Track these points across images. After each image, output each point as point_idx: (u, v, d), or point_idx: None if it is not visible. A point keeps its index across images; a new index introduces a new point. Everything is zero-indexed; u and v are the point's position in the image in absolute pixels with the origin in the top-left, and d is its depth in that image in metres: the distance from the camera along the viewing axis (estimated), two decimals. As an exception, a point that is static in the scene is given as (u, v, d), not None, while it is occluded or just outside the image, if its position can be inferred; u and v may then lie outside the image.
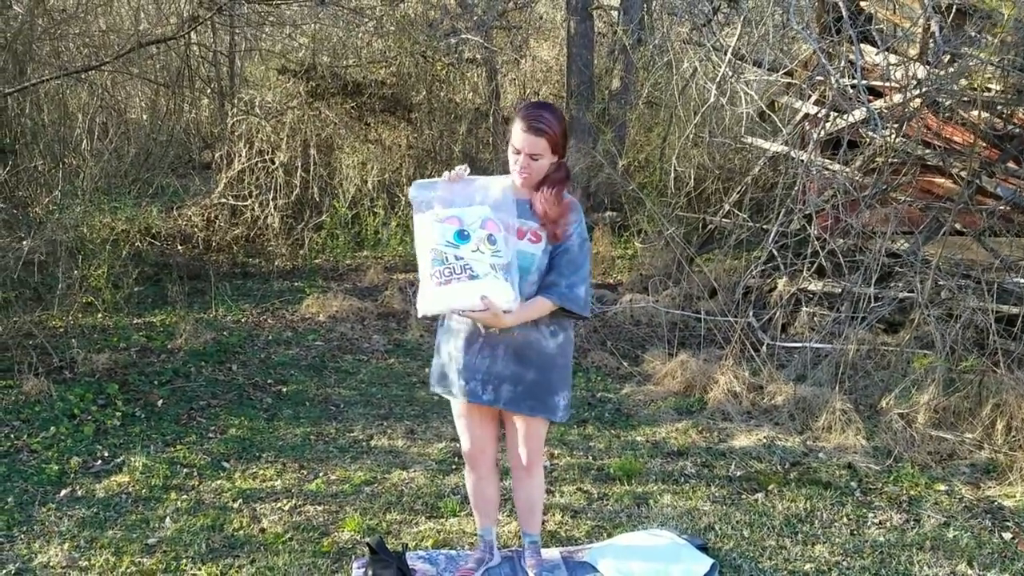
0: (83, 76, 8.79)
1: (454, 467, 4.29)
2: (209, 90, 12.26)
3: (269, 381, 5.54)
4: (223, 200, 9.51)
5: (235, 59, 12.11)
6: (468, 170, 2.87)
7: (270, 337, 6.39)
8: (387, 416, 5.02)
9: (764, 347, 5.62)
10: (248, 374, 5.63)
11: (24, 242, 6.34)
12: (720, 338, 5.99)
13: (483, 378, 2.90)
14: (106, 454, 4.37)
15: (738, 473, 4.22)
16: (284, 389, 5.42)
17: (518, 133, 2.80)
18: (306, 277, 8.35)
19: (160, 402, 5.07)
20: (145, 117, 14.17)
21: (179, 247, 9.30)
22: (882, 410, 4.80)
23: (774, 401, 4.98)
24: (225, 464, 4.29)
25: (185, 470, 4.20)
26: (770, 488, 4.05)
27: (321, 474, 4.18)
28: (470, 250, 2.64)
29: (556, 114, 2.85)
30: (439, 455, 4.45)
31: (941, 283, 6.18)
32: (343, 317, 6.90)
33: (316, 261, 8.97)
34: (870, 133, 7.03)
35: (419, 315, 2.75)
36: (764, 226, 7.23)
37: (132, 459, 4.28)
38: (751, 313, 5.94)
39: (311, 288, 7.49)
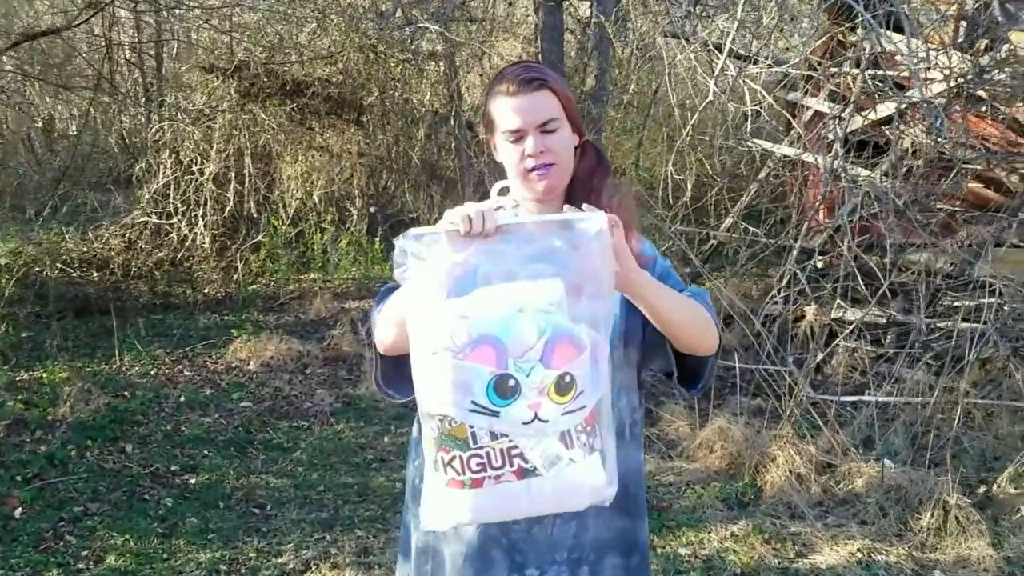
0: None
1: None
2: (133, 94, 10.58)
3: (173, 468, 3.98)
4: (145, 219, 7.90)
5: (162, 59, 10.46)
6: (516, 205, 1.54)
7: (182, 398, 4.81)
8: (331, 523, 3.51)
9: (802, 397, 4.24)
10: (146, 458, 4.06)
11: None
12: (753, 388, 4.60)
13: (570, 558, 1.53)
14: (-89, 613, 2.80)
15: (841, 618, 2.81)
16: (192, 480, 3.88)
17: (506, 104, 1.51)
18: (239, 308, 6.78)
19: (19, 511, 3.49)
20: (73, 128, 12.49)
21: (95, 274, 7.67)
22: (997, 498, 3.44)
23: (853, 486, 3.59)
24: (87, 628, 2.76)
25: (22, 644, 2.66)
26: (893, 644, 2.65)
27: (229, 645, 2.67)
28: (521, 419, 1.19)
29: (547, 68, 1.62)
30: (406, 595, 2.95)
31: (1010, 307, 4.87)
32: (280, 365, 5.36)
33: (253, 287, 7.38)
34: (902, 131, 5.72)
35: (423, 527, 1.30)
36: (783, 242, 5.88)
37: (-54, 624, 2.72)
38: (791, 359, 4.55)
39: (240, 329, 5.91)
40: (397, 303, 1.43)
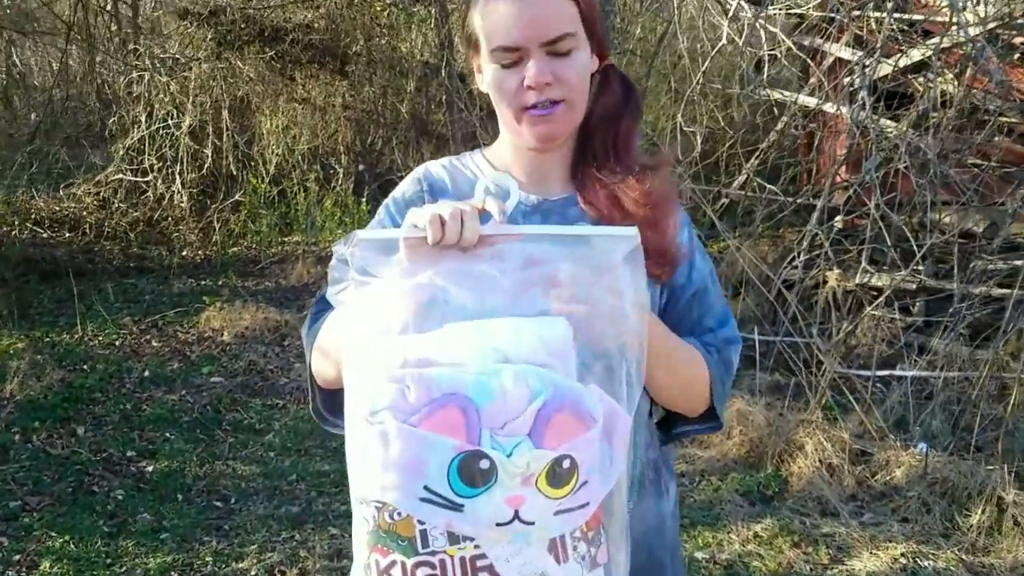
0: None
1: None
2: (114, 47, 10.02)
3: (129, 454, 3.57)
4: (120, 176, 7.44)
5: (138, 7, 9.87)
6: (516, 196, 0.98)
7: (147, 373, 4.39)
8: (302, 519, 3.11)
9: (824, 373, 3.81)
10: (99, 442, 3.65)
11: None
12: (771, 362, 4.18)
13: None
14: None
15: (888, 640, 2.42)
16: (149, 468, 3.46)
17: (500, 9, 1.06)
18: (217, 273, 6.33)
19: (-53, 505, 3.10)
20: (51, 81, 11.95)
21: (67, 235, 7.25)
22: (1055, 490, 3.04)
23: (891, 478, 3.17)
24: (9, 653, 2.36)
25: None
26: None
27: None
28: (494, 518, 0.80)
29: None
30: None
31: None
32: (256, 335, 4.92)
33: (233, 250, 6.94)
34: (930, 79, 5.25)
35: None
36: (806, 201, 5.43)
37: None
38: (815, 330, 4.12)
39: (214, 296, 5.47)
40: (334, 331, 1.04)
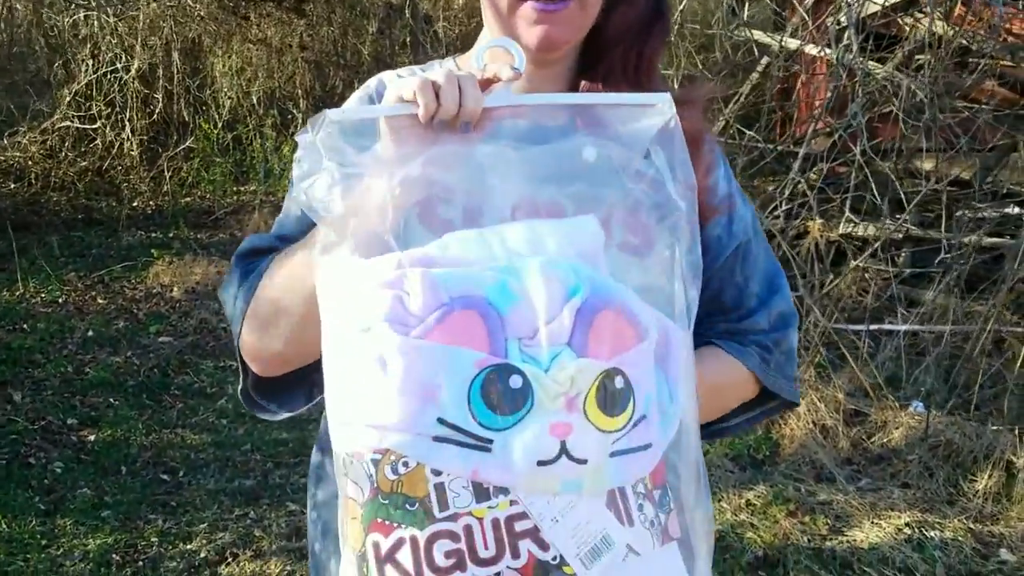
0: None
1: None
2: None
3: (70, 422, 3.25)
4: (67, 123, 6.99)
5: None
6: (521, 62, 0.71)
7: (90, 332, 4.04)
8: (257, 493, 2.83)
9: (816, 328, 3.59)
10: (38, 409, 3.32)
11: None
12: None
13: None
14: None
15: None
16: (91, 438, 3.16)
17: None
18: (168, 224, 5.95)
19: None
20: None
21: (11, 186, 6.82)
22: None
23: (889, 439, 2.97)
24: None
25: None
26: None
27: None
28: (534, 455, 0.57)
29: None
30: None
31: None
32: (208, 291, 4.58)
33: (185, 200, 6.54)
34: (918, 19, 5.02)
35: None
36: (787, 148, 5.18)
37: None
38: (800, 283, 3.89)
39: (164, 249, 5.10)
40: (286, 267, 0.78)
